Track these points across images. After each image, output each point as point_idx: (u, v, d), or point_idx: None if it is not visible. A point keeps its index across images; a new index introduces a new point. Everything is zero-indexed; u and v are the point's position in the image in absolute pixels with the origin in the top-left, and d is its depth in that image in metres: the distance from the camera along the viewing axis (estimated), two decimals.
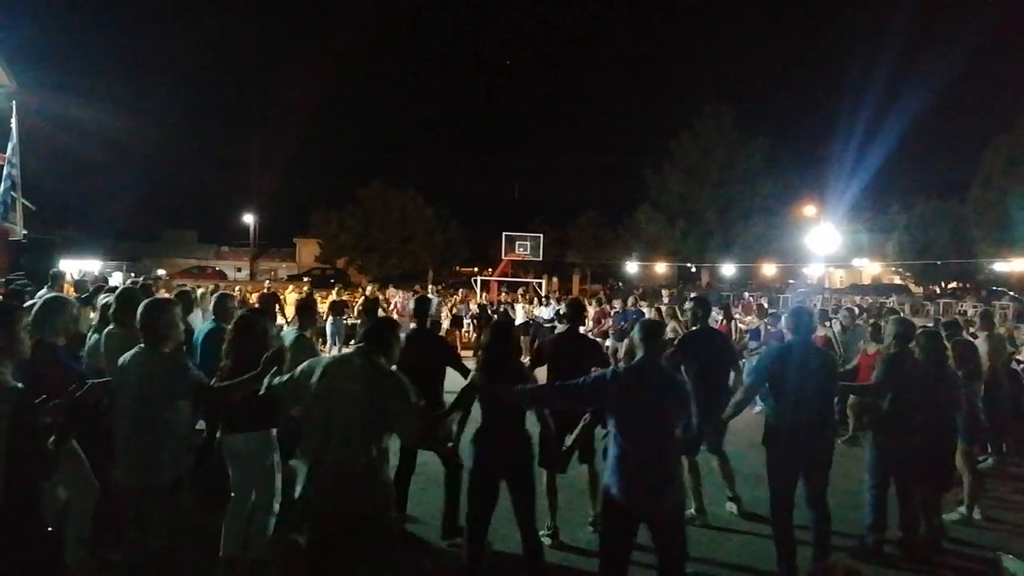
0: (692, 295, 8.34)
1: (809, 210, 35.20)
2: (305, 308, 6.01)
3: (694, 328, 6.00)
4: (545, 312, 17.25)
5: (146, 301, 3.88)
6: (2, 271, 11.05)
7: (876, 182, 34.42)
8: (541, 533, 4.58)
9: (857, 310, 14.47)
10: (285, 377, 3.54)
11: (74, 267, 26.97)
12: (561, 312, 16.45)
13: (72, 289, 15.78)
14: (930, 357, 5.24)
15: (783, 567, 4.51)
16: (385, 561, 3.39)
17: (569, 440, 4.69)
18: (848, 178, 32.48)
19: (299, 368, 3.49)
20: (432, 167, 78.21)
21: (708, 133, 43.30)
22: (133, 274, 24.53)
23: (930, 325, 8.95)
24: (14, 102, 14.01)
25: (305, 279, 39.16)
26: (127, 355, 3.70)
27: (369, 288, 19.07)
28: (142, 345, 3.68)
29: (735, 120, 42.87)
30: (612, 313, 15.72)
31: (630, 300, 16.59)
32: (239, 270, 52.34)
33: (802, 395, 4.53)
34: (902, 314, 11.03)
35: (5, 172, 13.47)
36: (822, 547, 4.60)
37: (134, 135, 43.78)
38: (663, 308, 14.00)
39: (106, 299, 5.60)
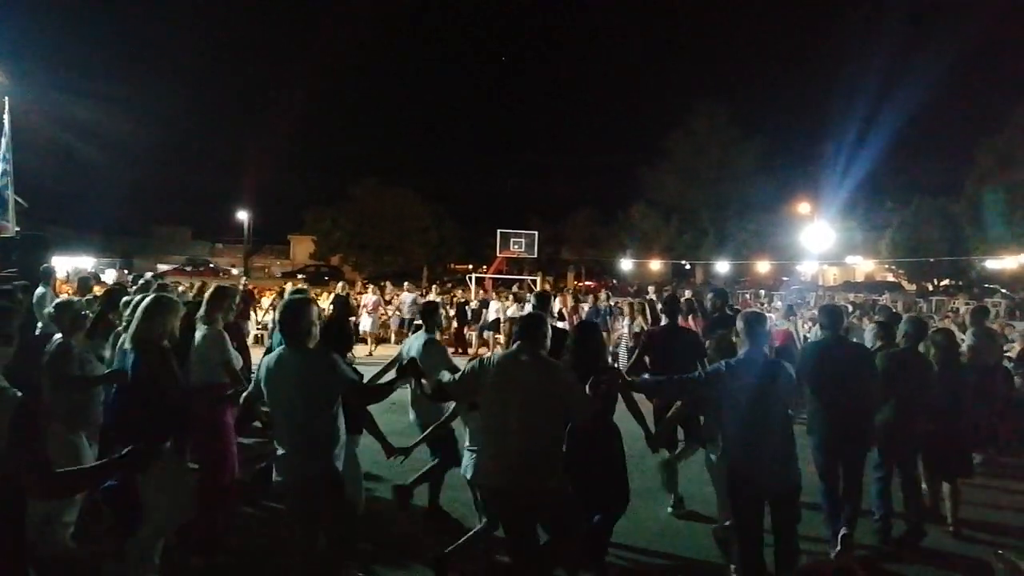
0: (668, 293, 8.47)
1: (803, 208, 35.32)
2: (430, 311, 5.75)
3: (715, 316, 6.21)
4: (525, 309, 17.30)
5: (285, 301, 3.93)
6: None
7: (870, 180, 34.69)
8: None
9: (850, 307, 14.62)
10: (456, 376, 3.79)
11: (67, 264, 26.88)
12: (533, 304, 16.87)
13: (67, 286, 15.73)
14: (945, 353, 5.56)
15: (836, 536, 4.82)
16: (564, 528, 3.68)
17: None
18: (842, 176, 32.68)
19: (468, 367, 3.78)
20: (426, 164, 78.18)
21: (702, 131, 43.42)
22: (127, 271, 24.45)
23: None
24: (6, 98, 13.93)
25: (299, 276, 39.07)
26: (272, 357, 3.67)
27: (340, 286, 18.90)
28: (285, 347, 3.66)
29: (729, 118, 43.04)
30: (585, 309, 16.21)
31: (602, 296, 17.05)
32: (233, 267, 52.21)
33: (843, 385, 4.83)
34: (894, 311, 11.08)
35: None
36: (850, 528, 4.85)
37: (128, 131, 43.68)
38: (633, 303, 14.41)
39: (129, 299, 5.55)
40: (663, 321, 6.32)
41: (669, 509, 5.73)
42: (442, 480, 5.36)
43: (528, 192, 63.51)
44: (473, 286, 24.42)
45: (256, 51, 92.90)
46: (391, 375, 4.15)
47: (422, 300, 15.36)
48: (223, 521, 4.73)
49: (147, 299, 4.11)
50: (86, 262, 32.34)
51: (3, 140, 13.39)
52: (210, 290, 5.10)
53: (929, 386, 5.31)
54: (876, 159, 32.30)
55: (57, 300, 5.16)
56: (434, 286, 25.28)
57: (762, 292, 31.50)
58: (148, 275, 16.58)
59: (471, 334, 17.70)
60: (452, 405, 4.66)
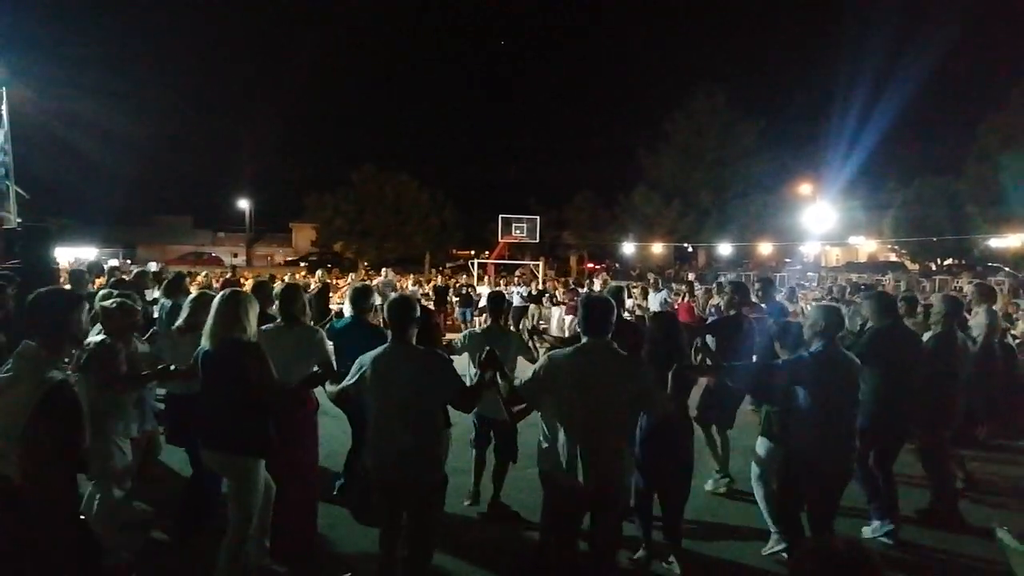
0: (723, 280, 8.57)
1: (805, 188, 35.22)
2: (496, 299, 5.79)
3: (732, 313, 6.28)
4: (520, 293, 17.68)
5: (394, 299, 3.77)
6: None
7: (872, 159, 34.45)
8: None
9: (849, 289, 14.64)
10: (528, 377, 3.61)
11: (70, 255, 26.91)
12: (532, 294, 17.25)
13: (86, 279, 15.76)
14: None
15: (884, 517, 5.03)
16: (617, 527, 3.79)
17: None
18: (844, 156, 32.50)
19: (539, 365, 3.61)
20: (426, 150, 77.87)
21: (702, 113, 43.15)
22: (129, 262, 24.47)
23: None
24: (4, 89, 13.90)
25: (302, 264, 39.10)
26: (379, 354, 3.60)
27: (318, 273, 18.89)
28: (394, 343, 3.63)
29: (728, 100, 42.73)
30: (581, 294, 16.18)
31: (597, 283, 17.20)
32: (235, 256, 52.26)
33: (903, 367, 4.99)
34: (895, 290, 11.08)
35: None
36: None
37: (128, 121, 43.53)
38: (632, 288, 14.64)
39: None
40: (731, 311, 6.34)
41: (709, 484, 5.94)
42: (506, 473, 5.44)
43: (529, 177, 63.41)
44: (476, 272, 24.42)
45: (255, 39, 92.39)
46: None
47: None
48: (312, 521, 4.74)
49: (224, 294, 3.95)
50: (89, 252, 32.38)
51: (2, 132, 13.39)
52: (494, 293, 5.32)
53: (968, 364, 5.50)
54: (878, 138, 32.10)
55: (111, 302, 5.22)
56: (437, 273, 25.27)
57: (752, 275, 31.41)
58: (153, 266, 16.65)
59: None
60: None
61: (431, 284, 20.04)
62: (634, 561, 4.55)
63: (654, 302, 14.18)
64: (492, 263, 26.87)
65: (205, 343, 3.85)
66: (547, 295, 18.16)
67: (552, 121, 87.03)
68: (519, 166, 58.79)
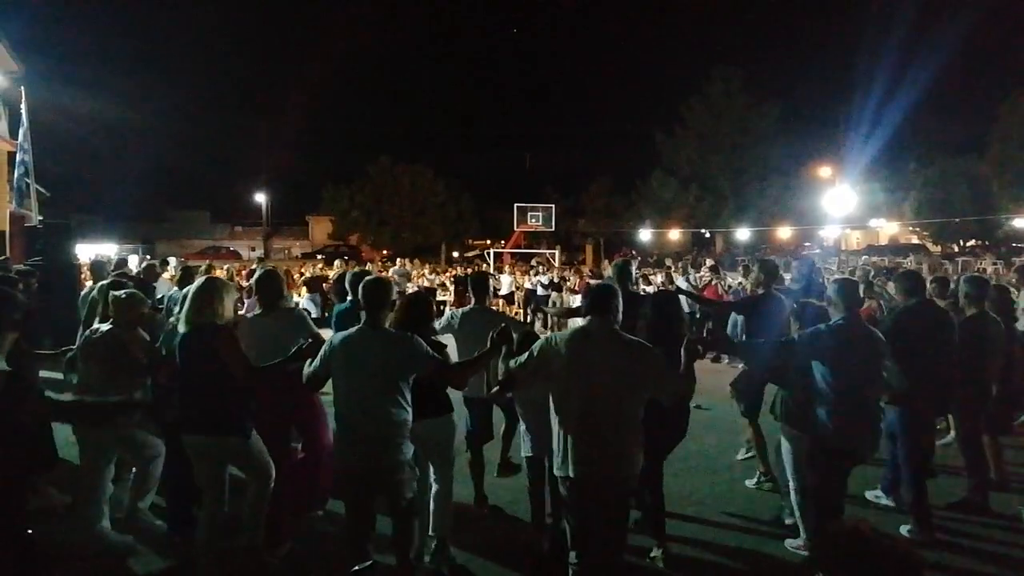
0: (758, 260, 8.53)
1: (824, 171, 34.77)
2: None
3: (760, 292, 6.20)
4: (541, 281, 17.81)
5: (368, 279, 3.82)
6: (19, 257, 11.14)
7: (892, 140, 33.83)
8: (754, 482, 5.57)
9: (872, 271, 14.46)
10: (523, 358, 3.45)
11: (90, 251, 27.20)
12: (553, 281, 17.35)
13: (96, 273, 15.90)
14: (1001, 312, 5.55)
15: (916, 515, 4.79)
16: (624, 521, 3.52)
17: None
18: (864, 137, 32.00)
19: (536, 346, 3.45)
20: (441, 140, 77.79)
21: (719, 97, 42.69)
22: (148, 256, 24.71)
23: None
24: (22, 88, 14.02)
25: (319, 256, 39.28)
26: (344, 336, 3.62)
27: (336, 264, 19.02)
28: (363, 325, 3.64)
29: (745, 83, 42.24)
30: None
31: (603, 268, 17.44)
32: (253, 249, 52.61)
33: (931, 346, 4.81)
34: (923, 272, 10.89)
35: (18, 159, 13.52)
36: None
37: (145, 118, 43.89)
38: (652, 275, 14.83)
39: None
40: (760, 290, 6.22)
41: (752, 483, 5.70)
42: (514, 435, 5.34)
43: (544, 165, 63.12)
44: (492, 261, 24.40)
45: (270, 33, 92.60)
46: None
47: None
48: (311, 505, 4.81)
49: (200, 281, 4.05)
50: (109, 249, 32.74)
51: (22, 130, 13.52)
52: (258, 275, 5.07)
53: (1002, 345, 5.34)
54: (898, 119, 31.51)
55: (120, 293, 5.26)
56: (455, 264, 25.26)
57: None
58: (173, 260, 16.80)
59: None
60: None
61: (447, 274, 20.08)
62: (652, 560, 4.33)
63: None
64: (508, 252, 26.86)
65: (181, 327, 3.93)
66: (566, 283, 18.17)
67: (567, 108, 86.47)
68: (534, 154, 58.39)
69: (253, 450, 3.93)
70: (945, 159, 37.46)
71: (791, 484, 4.55)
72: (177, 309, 4.99)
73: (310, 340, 3.95)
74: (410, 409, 3.62)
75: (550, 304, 16.93)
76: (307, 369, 3.78)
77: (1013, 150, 33.65)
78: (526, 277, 18.69)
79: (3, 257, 9.78)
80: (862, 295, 6.86)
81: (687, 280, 14.37)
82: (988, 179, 35.29)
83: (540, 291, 17.19)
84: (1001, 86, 36.69)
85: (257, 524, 4.00)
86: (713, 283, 14.08)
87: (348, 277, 5.77)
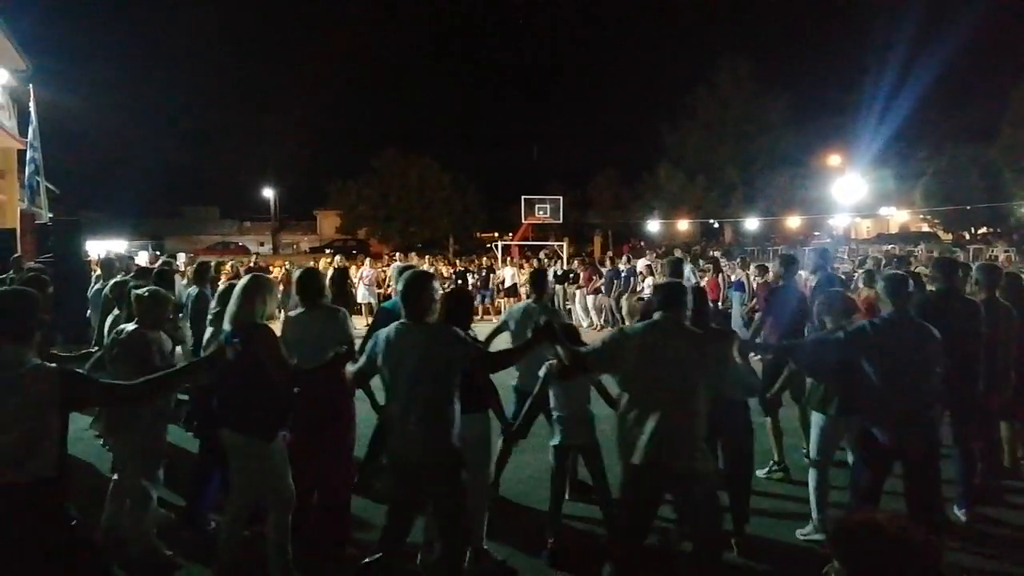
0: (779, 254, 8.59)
1: (834, 160, 34.59)
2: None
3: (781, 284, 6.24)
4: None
5: (407, 275, 3.84)
6: (30, 255, 11.21)
7: (903, 128, 33.55)
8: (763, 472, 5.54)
9: (884, 260, 14.37)
10: (596, 347, 3.61)
11: (100, 248, 27.32)
12: (560, 273, 17.35)
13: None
14: (1012, 300, 5.43)
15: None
16: (715, 514, 3.57)
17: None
18: (873, 125, 31.74)
19: (605, 341, 3.60)
20: (447, 133, 77.63)
21: (726, 86, 42.45)
22: (159, 253, 24.82)
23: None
24: (31, 86, 14.08)
25: (327, 251, 39.36)
26: (390, 331, 3.63)
27: (337, 259, 18.94)
28: (404, 320, 3.65)
29: (752, 72, 41.97)
30: (604, 270, 16.50)
31: (623, 258, 17.37)
32: (262, 244, 52.78)
33: (956, 334, 4.70)
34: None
35: (28, 156, 13.60)
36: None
37: (153, 115, 44.03)
38: (651, 264, 14.89)
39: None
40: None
41: (763, 472, 5.65)
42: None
43: (552, 156, 62.99)
44: (500, 253, 24.37)
45: (276, 28, 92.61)
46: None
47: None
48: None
49: (244, 280, 4.05)
50: (119, 245, 32.89)
51: (31, 128, 13.59)
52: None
53: (1015, 332, 5.27)
54: (908, 106, 31.24)
55: (114, 280, 5.25)
56: (454, 258, 25.25)
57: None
58: (182, 256, 16.89)
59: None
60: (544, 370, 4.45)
61: (449, 269, 20.03)
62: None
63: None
64: (516, 245, 26.81)
65: (226, 326, 3.94)
66: (572, 274, 18.17)
67: (574, 99, 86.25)
68: (541, 146, 58.32)
69: (277, 460, 3.88)
70: (956, 146, 37.16)
71: (812, 475, 4.57)
72: (213, 305, 4.98)
73: (345, 348, 4.02)
74: (458, 402, 3.66)
75: (559, 296, 16.97)
76: (351, 367, 3.85)
77: None
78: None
79: (15, 255, 9.84)
80: (867, 283, 6.84)
81: (689, 274, 14.27)
82: (999, 166, 34.98)
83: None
84: (1012, 72, 36.38)
85: (284, 560, 3.91)
86: (714, 276, 13.90)
87: (394, 272, 5.76)
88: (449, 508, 3.58)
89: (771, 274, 9.58)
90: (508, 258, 22.94)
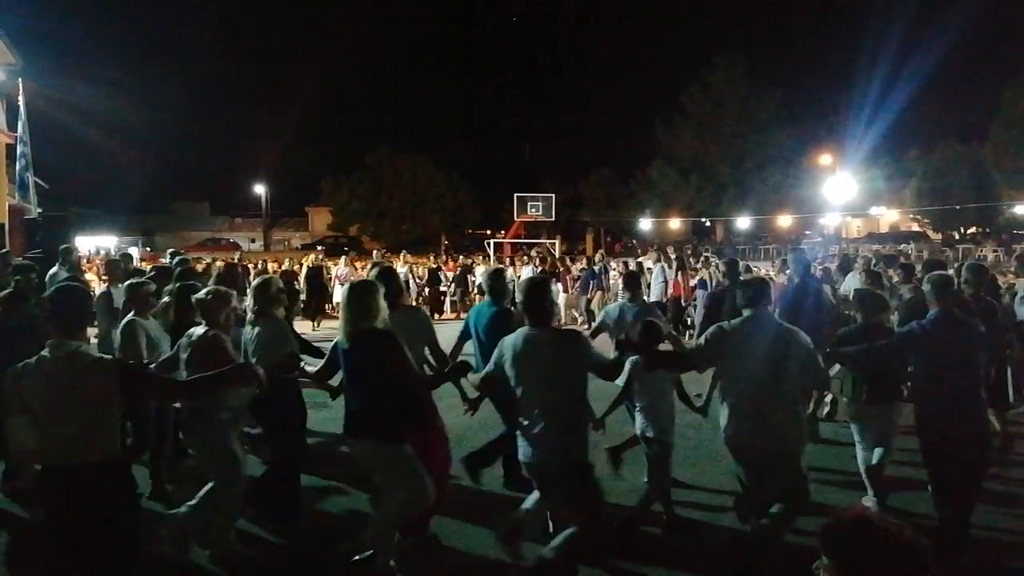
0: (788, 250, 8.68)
1: (825, 159, 34.69)
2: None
3: (796, 281, 6.49)
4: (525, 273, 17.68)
5: (527, 283, 3.92)
6: (19, 250, 11.14)
7: (894, 128, 33.74)
8: None
9: (873, 260, 14.46)
10: (700, 343, 3.97)
11: (90, 244, 27.16)
12: (544, 271, 17.37)
13: (89, 265, 15.91)
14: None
15: None
16: (801, 488, 3.82)
17: None
18: (864, 125, 31.88)
19: (707, 338, 3.91)
20: (440, 130, 77.48)
21: (719, 85, 42.57)
22: (148, 249, 24.70)
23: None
24: (20, 80, 13.98)
25: (319, 248, 39.27)
26: (518, 337, 3.67)
27: (311, 256, 18.69)
28: (529, 325, 3.69)
29: (746, 70, 42.11)
30: (579, 270, 16.81)
31: (597, 256, 17.68)
32: (253, 241, 52.56)
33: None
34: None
35: (18, 151, 13.51)
36: None
37: (143, 110, 43.73)
38: (630, 262, 15.06)
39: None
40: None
41: None
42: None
43: (544, 154, 63.03)
44: (492, 252, 24.38)
45: (268, 24, 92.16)
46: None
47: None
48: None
49: (351, 287, 4.01)
50: (108, 241, 32.72)
51: (20, 123, 13.49)
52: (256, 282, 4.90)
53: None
54: (899, 106, 31.39)
55: (130, 280, 5.20)
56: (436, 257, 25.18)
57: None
58: (169, 251, 16.78)
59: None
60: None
61: (423, 267, 19.96)
62: None
63: (653, 276, 14.19)
64: (508, 242, 26.84)
65: (340, 336, 3.92)
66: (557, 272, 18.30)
67: (567, 97, 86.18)
68: (534, 144, 58.34)
69: (410, 461, 3.83)
70: (946, 146, 37.39)
71: (861, 458, 4.90)
72: (251, 304, 4.78)
73: (461, 362, 4.13)
74: (587, 404, 3.83)
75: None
76: (474, 376, 3.99)
77: (1015, 137, 33.57)
78: (520, 267, 18.68)
79: (4, 250, 9.76)
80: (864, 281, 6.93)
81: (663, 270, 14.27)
82: (989, 166, 35.20)
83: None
84: (1003, 73, 36.58)
85: (388, 542, 3.91)
86: (679, 275, 13.68)
87: (486, 275, 5.75)
88: (581, 506, 3.71)
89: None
90: (504, 256, 22.91)
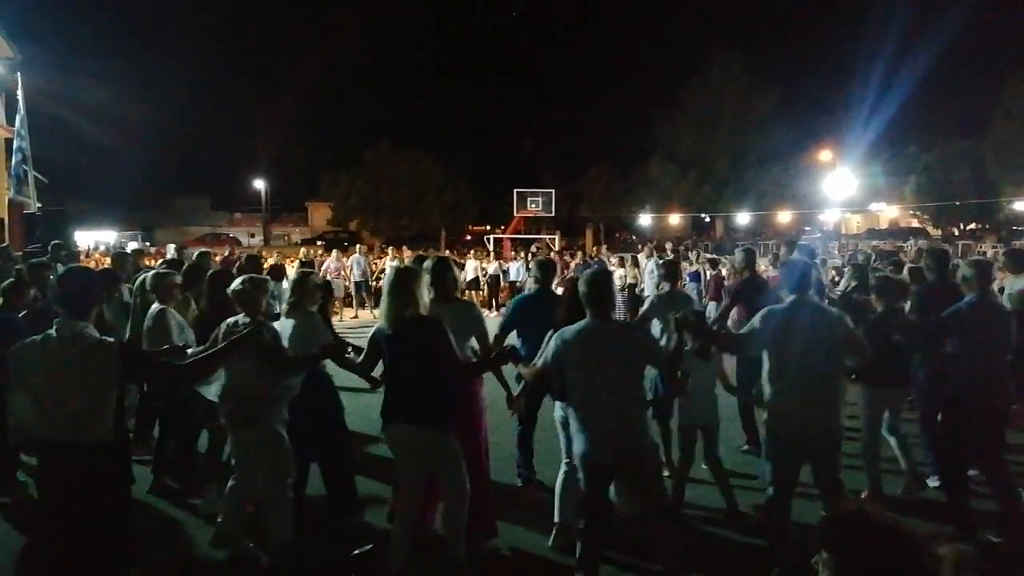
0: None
1: (825, 155, 34.64)
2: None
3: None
4: (512, 268, 18.18)
5: (590, 275, 3.88)
6: (18, 244, 11.13)
7: (894, 123, 33.60)
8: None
9: (874, 256, 14.52)
10: (751, 330, 3.99)
11: (89, 238, 27.14)
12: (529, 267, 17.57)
13: (89, 260, 15.89)
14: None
15: None
16: (836, 464, 4.00)
17: None
18: (865, 120, 31.82)
19: (755, 324, 3.98)
20: (440, 125, 77.35)
21: (718, 80, 42.47)
22: (147, 243, 24.69)
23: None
24: (19, 74, 13.95)
25: (319, 242, 39.23)
26: (576, 330, 3.61)
27: (302, 252, 18.48)
28: (592, 319, 3.64)
29: (746, 66, 42.02)
30: (573, 264, 17.06)
31: (593, 251, 17.91)
32: (252, 236, 52.58)
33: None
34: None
35: (16, 145, 13.49)
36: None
37: (143, 105, 43.70)
38: (626, 257, 15.27)
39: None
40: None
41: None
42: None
43: (544, 149, 62.94)
44: (491, 247, 24.36)
45: (268, 18, 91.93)
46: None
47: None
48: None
49: (392, 276, 3.94)
50: (108, 236, 32.70)
51: (19, 117, 13.47)
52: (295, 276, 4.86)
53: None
54: (899, 102, 31.30)
55: (154, 270, 5.20)
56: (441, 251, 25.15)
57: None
58: (171, 247, 16.75)
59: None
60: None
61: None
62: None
63: (646, 271, 14.53)
64: (508, 238, 26.82)
65: (383, 322, 3.87)
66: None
67: (566, 92, 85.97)
68: (534, 139, 58.34)
69: (455, 450, 3.83)
70: (946, 142, 37.34)
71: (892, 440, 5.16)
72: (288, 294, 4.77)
73: (510, 347, 4.13)
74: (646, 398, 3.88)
75: (527, 290, 17.17)
76: (524, 369, 3.99)
77: (1014, 133, 33.52)
78: (494, 263, 18.83)
79: (3, 244, 9.76)
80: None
81: (654, 267, 14.45)
82: (989, 162, 35.18)
83: (513, 275, 17.61)
84: (1003, 69, 36.51)
85: (457, 553, 3.85)
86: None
87: (535, 265, 5.81)
88: (646, 502, 3.71)
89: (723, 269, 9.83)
90: (504, 252, 22.91)
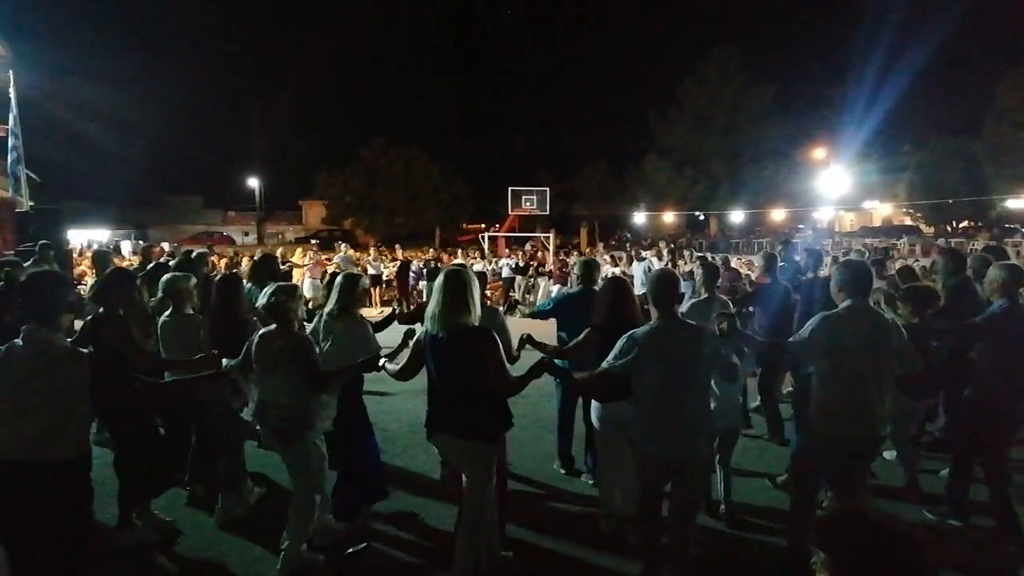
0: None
1: (819, 153, 34.77)
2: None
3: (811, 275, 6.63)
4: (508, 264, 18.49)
5: (658, 274, 3.84)
6: (11, 243, 11.07)
7: (887, 121, 33.80)
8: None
9: (868, 253, 14.59)
10: (803, 336, 3.86)
11: (82, 237, 26.99)
12: (519, 266, 17.89)
13: (82, 259, 15.82)
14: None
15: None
16: (868, 469, 4.05)
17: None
18: (859, 118, 31.94)
19: (811, 325, 3.84)
20: (434, 123, 77.33)
21: (714, 78, 42.54)
22: (141, 242, 24.58)
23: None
24: (11, 72, 13.87)
25: (312, 241, 39.14)
26: (650, 330, 3.58)
27: (280, 250, 18.16)
28: (660, 319, 3.63)
29: (741, 63, 42.09)
30: (571, 264, 16.76)
31: (587, 251, 18.14)
32: (246, 234, 52.38)
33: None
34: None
35: (9, 144, 13.42)
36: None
37: (136, 103, 43.50)
38: (608, 255, 15.32)
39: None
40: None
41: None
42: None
43: (538, 147, 62.91)
44: (487, 244, 24.33)
45: (262, 16, 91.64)
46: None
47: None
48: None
49: (445, 276, 3.68)
50: (101, 234, 32.55)
51: (11, 115, 13.40)
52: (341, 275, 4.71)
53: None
54: (892, 100, 31.46)
55: (169, 275, 5.08)
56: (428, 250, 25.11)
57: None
58: (166, 246, 16.67)
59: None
60: None
61: (392, 261, 19.98)
62: None
63: (637, 270, 14.48)
64: (502, 236, 26.79)
65: (430, 327, 3.65)
66: (534, 266, 18.57)
67: (561, 90, 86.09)
68: (529, 137, 58.30)
69: (489, 462, 3.71)
70: (939, 140, 37.42)
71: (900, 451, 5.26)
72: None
73: (549, 360, 3.93)
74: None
75: (516, 288, 17.51)
76: (583, 373, 3.93)
77: (1008, 131, 33.62)
78: (484, 261, 19.13)
79: None
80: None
81: (648, 266, 14.47)
82: (982, 160, 35.28)
83: (506, 273, 17.88)
84: (996, 67, 36.59)
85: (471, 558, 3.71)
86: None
87: (580, 266, 5.72)
88: (695, 499, 3.75)
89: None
90: (500, 249, 22.94)
